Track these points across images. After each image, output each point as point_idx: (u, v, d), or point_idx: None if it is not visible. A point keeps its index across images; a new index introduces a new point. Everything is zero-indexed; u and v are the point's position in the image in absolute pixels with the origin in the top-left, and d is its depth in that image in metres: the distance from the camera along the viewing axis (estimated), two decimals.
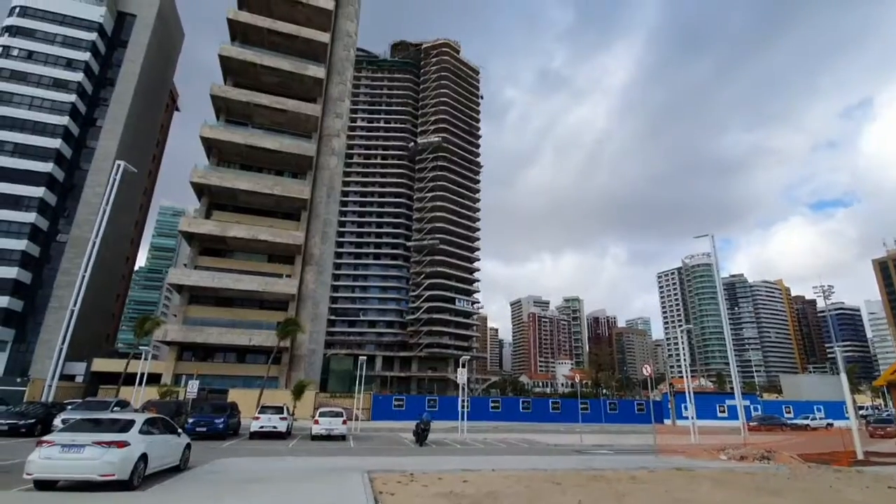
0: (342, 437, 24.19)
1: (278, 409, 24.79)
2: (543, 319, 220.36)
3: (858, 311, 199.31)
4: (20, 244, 49.12)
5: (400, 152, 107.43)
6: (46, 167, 51.50)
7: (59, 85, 54.61)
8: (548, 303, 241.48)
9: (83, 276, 26.06)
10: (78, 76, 55.34)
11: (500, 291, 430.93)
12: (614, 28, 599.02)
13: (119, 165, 28.11)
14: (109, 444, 9.67)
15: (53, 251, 52.07)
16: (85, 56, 56.24)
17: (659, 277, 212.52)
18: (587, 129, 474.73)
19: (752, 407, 44.87)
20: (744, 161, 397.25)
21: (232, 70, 54.08)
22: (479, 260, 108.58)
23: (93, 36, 57.10)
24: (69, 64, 55.68)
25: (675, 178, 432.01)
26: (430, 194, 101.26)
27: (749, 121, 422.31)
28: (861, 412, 47.44)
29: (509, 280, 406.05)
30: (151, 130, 67.21)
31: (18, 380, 39.35)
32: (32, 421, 21.17)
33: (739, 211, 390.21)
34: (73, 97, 54.41)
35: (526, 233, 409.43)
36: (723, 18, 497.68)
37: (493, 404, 45.72)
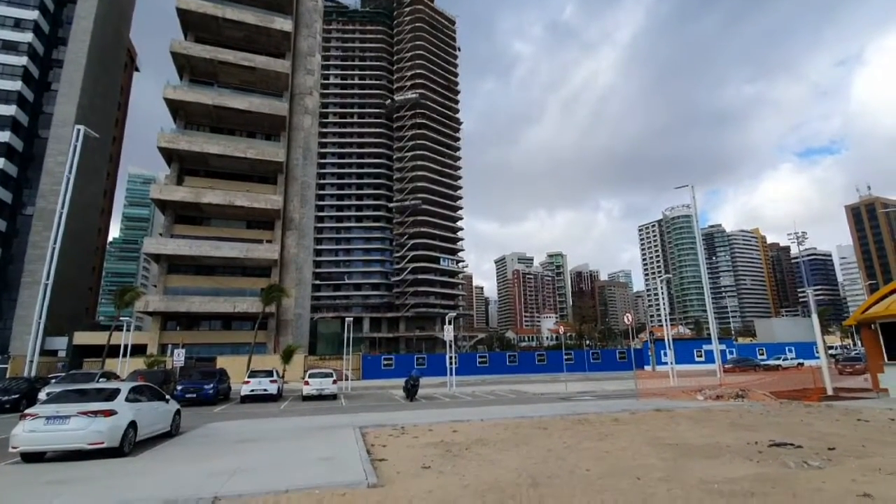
0: (333, 397, 24.59)
1: (268, 373, 24.98)
2: (528, 276, 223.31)
3: (830, 256, 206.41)
4: None
5: (377, 110, 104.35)
6: (3, 136, 48.73)
7: (8, 47, 50.96)
8: (532, 259, 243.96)
9: (53, 250, 25.11)
10: (27, 36, 51.59)
11: (495, 251, 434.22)
12: None
13: (79, 130, 26.59)
14: (96, 413, 9.55)
15: (21, 224, 50.18)
16: (33, 14, 52.27)
17: (640, 230, 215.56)
18: (593, 84, 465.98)
19: (727, 350, 46.68)
20: (742, 112, 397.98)
21: (192, 24, 50.90)
22: (462, 219, 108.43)
23: None
24: (17, 24, 51.77)
25: (674, 132, 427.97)
26: (410, 153, 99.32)
27: (752, 72, 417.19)
28: (830, 352, 49.91)
29: (505, 240, 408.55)
30: (111, 93, 63.52)
31: None
32: (16, 396, 20.89)
33: (734, 162, 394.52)
34: (24, 59, 50.90)
35: (524, 192, 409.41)
36: None
37: (480, 359, 46.73)
